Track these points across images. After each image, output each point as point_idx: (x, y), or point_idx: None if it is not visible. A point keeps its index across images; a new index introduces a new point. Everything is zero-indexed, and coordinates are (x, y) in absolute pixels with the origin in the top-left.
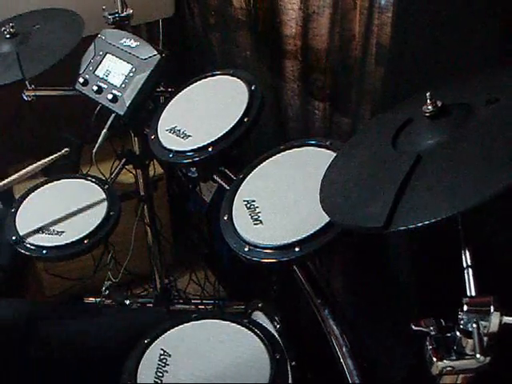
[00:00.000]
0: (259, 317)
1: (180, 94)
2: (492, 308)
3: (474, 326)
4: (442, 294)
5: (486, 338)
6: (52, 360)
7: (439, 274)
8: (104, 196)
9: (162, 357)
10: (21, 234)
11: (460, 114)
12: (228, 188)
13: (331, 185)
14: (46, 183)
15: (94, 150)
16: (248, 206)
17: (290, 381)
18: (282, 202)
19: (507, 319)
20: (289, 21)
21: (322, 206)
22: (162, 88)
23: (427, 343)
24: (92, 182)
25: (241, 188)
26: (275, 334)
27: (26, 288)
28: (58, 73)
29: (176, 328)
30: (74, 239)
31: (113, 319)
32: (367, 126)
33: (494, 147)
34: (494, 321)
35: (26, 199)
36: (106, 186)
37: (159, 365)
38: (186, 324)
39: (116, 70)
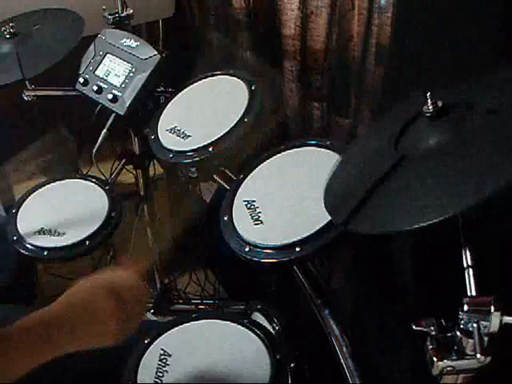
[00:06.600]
0: (258, 318)
1: (180, 93)
2: (492, 308)
3: (475, 325)
4: (442, 294)
5: (486, 338)
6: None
7: (440, 273)
8: (105, 196)
9: (162, 357)
10: (22, 234)
11: (459, 115)
12: (228, 188)
13: (334, 185)
14: (47, 184)
15: (94, 150)
16: (248, 206)
17: (289, 381)
18: (282, 202)
19: (508, 319)
20: (288, 21)
21: (324, 205)
22: (162, 88)
23: (428, 343)
24: (92, 182)
25: (241, 188)
26: (275, 334)
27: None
28: (57, 73)
29: (176, 328)
30: (75, 241)
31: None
32: (371, 126)
33: (487, 151)
34: (495, 321)
35: (27, 200)
36: (107, 187)
37: (159, 365)
38: (186, 324)
39: (116, 70)
